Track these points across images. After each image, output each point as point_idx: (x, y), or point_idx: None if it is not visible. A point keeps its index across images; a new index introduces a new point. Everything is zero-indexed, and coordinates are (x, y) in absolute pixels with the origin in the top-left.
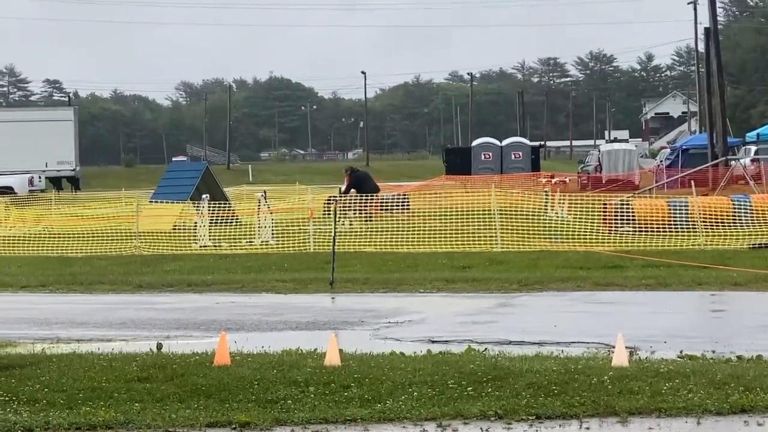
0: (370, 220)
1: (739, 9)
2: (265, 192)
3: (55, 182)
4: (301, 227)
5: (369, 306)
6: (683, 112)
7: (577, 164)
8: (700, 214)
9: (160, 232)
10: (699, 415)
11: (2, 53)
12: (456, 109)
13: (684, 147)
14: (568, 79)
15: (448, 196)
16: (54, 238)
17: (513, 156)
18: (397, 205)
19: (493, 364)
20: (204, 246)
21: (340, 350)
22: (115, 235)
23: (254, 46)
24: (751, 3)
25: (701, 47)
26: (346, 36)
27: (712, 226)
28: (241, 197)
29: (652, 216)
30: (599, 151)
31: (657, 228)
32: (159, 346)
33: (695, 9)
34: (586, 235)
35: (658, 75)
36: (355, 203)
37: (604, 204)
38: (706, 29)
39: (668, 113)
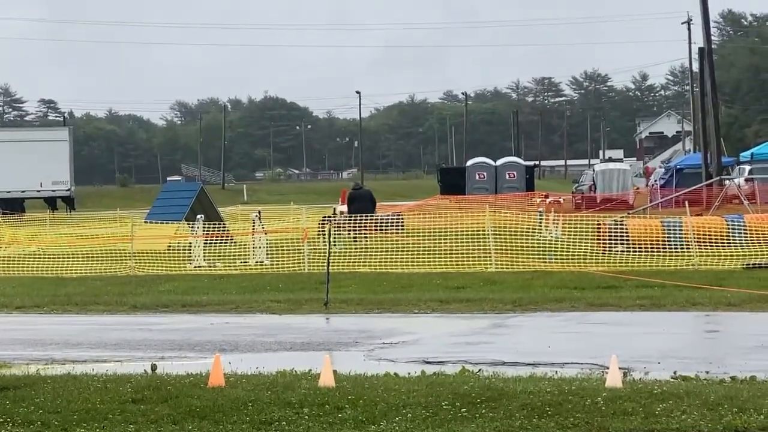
0: (355, 241)
1: (733, 28)
2: (259, 212)
3: (50, 202)
4: (296, 247)
5: (363, 327)
6: (677, 132)
7: (571, 184)
8: (694, 234)
9: (155, 253)
10: None
11: None
12: (450, 128)
13: (678, 166)
14: (563, 98)
15: (443, 216)
16: (49, 258)
17: (507, 176)
18: (391, 225)
19: (487, 386)
20: (198, 266)
21: (335, 371)
22: (109, 256)
23: (249, 65)
24: (745, 23)
25: (695, 67)
26: (340, 56)
27: (707, 246)
28: (236, 217)
29: (647, 236)
30: (594, 170)
31: (651, 248)
32: (153, 368)
33: (689, 29)
34: (580, 255)
35: (652, 94)
36: (347, 223)
37: (599, 224)
38: (700, 49)
39: (663, 133)
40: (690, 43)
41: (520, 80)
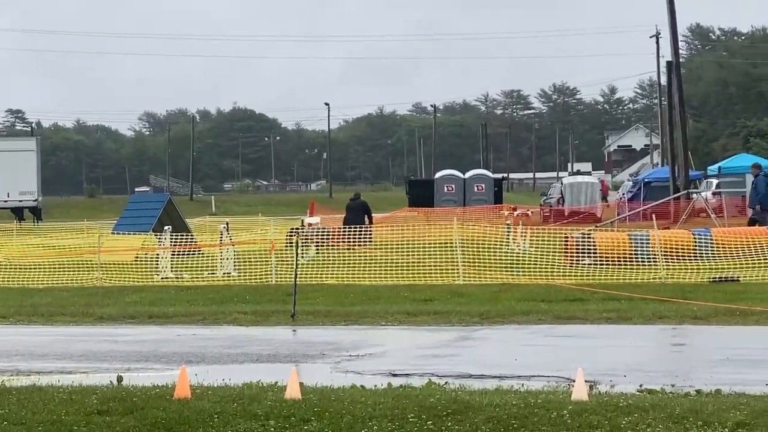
0: (318, 253)
1: (701, 42)
2: (227, 223)
3: (17, 213)
4: (264, 259)
5: (330, 339)
6: (646, 145)
7: (539, 196)
8: (661, 247)
9: (122, 264)
10: None
11: None
12: (419, 140)
13: (646, 180)
14: (532, 111)
15: (411, 228)
16: (15, 269)
17: (476, 188)
18: (359, 237)
19: (454, 398)
20: (166, 278)
21: (301, 383)
22: (76, 267)
23: (218, 77)
24: (713, 37)
25: (663, 80)
26: (310, 67)
27: (674, 259)
28: (204, 228)
29: (614, 249)
30: (562, 183)
31: (618, 261)
32: (119, 379)
33: (657, 43)
34: (547, 267)
35: (621, 108)
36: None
37: (566, 236)
38: (668, 63)
39: (631, 146)
40: (658, 56)
41: (488, 93)
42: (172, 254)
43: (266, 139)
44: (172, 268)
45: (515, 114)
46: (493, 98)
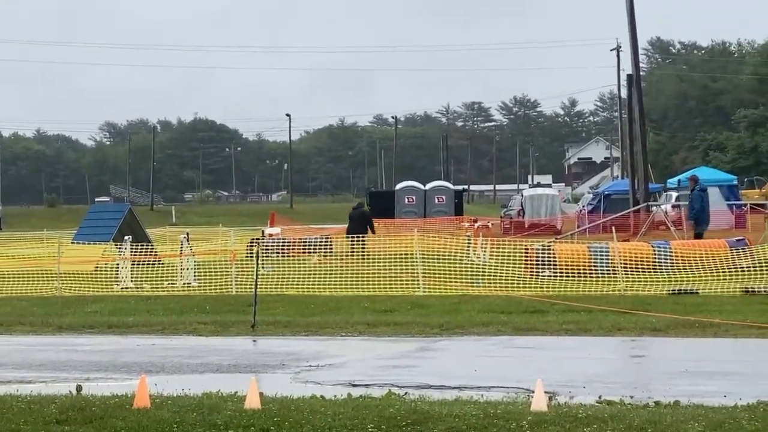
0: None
1: (661, 56)
2: (187, 233)
3: None
4: (224, 269)
5: (290, 349)
6: (606, 158)
7: (500, 208)
8: (621, 259)
9: (82, 274)
10: None
11: None
12: (380, 152)
13: (606, 192)
14: (492, 123)
15: (372, 240)
16: None
17: (437, 200)
18: (319, 248)
19: (413, 408)
20: (126, 287)
21: (261, 393)
22: (36, 276)
23: (179, 87)
24: (673, 50)
25: (624, 93)
26: (271, 78)
27: (633, 271)
28: (164, 239)
29: (574, 261)
30: (522, 195)
31: (578, 273)
32: (78, 389)
33: (618, 56)
34: (507, 279)
35: (581, 120)
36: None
37: (526, 248)
38: (629, 76)
39: (591, 158)
40: (619, 69)
41: (449, 104)
42: (133, 264)
43: (227, 149)
44: (132, 278)
45: (476, 126)
46: (454, 110)
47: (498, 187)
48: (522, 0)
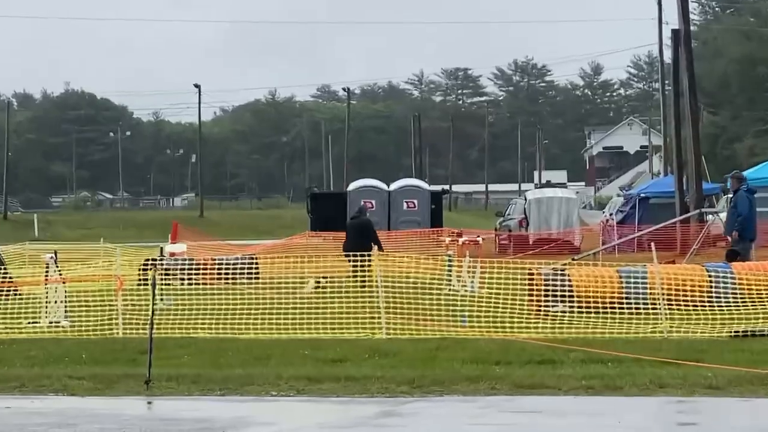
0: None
1: (720, 4)
2: (56, 252)
3: None
4: (107, 303)
5: (200, 414)
6: (642, 147)
7: (494, 217)
8: (663, 288)
9: None
10: None
11: None
12: (327, 137)
13: (643, 195)
14: (484, 98)
15: (315, 261)
16: None
17: (405, 205)
18: (241, 273)
19: None
20: None
21: None
22: None
23: (44, 48)
24: None
25: (668, 56)
26: (174, 38)
27: (680, 305)
28: (23, 259)
29: (598, 291)
30: (526, 199)
31: (604, 308)
32: None
33: (659, 3)
34: (505, 316)
35: (608, 94)
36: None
37: (531, 273)
38: (674, 31)
39: (622, 148)
40: (660, 23)
41: (423, 72)
42: None
43: (111, 134)
44: None
45: (461, 102)
46: (431, 80)
47: (491, 187)
48: None
